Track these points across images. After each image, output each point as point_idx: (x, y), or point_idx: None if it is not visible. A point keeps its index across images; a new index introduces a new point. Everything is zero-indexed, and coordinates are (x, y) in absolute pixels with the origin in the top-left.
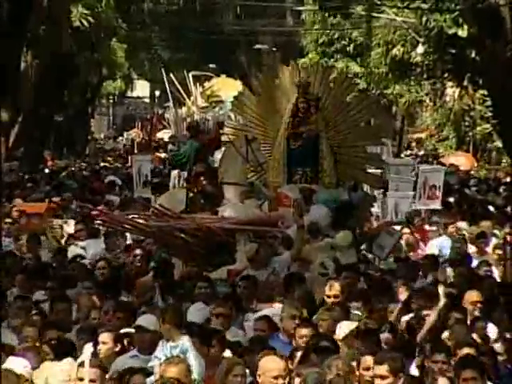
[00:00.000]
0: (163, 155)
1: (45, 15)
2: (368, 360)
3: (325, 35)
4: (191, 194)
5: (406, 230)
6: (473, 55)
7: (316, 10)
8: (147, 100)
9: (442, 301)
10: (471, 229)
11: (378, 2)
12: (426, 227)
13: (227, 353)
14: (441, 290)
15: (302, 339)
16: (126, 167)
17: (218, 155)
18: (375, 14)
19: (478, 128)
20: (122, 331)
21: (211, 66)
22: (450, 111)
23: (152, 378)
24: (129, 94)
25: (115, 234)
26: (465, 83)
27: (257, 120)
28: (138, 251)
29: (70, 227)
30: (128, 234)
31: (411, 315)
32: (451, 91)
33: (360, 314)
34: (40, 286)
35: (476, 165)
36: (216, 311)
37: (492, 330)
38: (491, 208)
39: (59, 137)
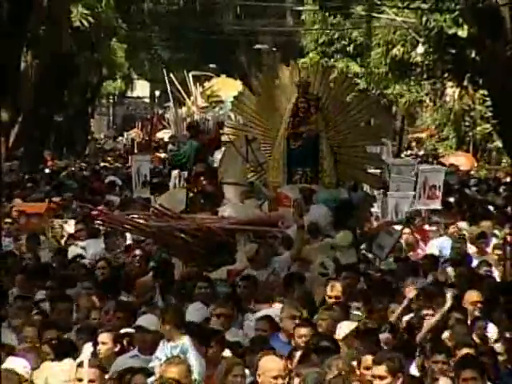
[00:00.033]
0: (163, 155)
1: (45, 15)
2: (368, 359)
3: (325, 35)
4: (191, 194)
5: (407, 230)
6: (473, 55)
7: (316, 10)
8: (147, 100)
9: (448, 303)
10: (471, 229)
11: (378, 2)
12: (426, 227)
13: (227, 353)
14: (449, 293)
15: (300, 339)
16: (126, 167)
17: (217, 155)
18: (375, 14)
19: (478, 128)
20: (122, 331)
21: (211, 66)
22: (450, 111)
23: (153, 379)
24: (129, 93)
25: (115, 234)
26: (465, 83)
27: (257, 120)
28: (137, 251)
29: (70, 227)
30: (128, 234)
31: (411, 315)
32: (451, 91)
33: (360, 314)
34: (40, 286)
35: (476, 165)
36: (217, 311)
37: (492, 330)
38: (491, 208)
39: (59, 137)
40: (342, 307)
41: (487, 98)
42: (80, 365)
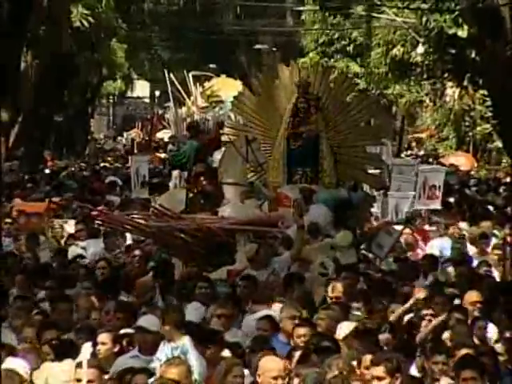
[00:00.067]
0: (163, 155)
1: (45, 15)
2: (368, 359)
3: (325, 35)
4: (191, 194)
5: (407, 230)
6: (473, 55)
7: (316, 10)
8: (147, 100)
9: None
10: (471, 229)
11: (378, 2)
12: (427, 227)
13: (226, 353)
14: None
15: (299, 339)
16: (126, 167)
17: (217, 155)
18: (375, 14)
19: (478, 128)
20: (122, 332)
21: (211, 66)
22: (450, 111)
23: (153, 380)
24: (129, 94)
25: (114, 234)
26: (465, 83)
27: (257, 120)
28: (136, 252)
29: (70, 227)
30: (128, 234)
31: (411, 315)
32: (451, 91)
33: (360, 314)
34: (40, 286)
35: (476, 165)
36: (218, 312)
37: (492, 331)
38: (491, 208)
39: (59, 137)
40: (342, 307)
41: (487, 98)
42: (79, 365)
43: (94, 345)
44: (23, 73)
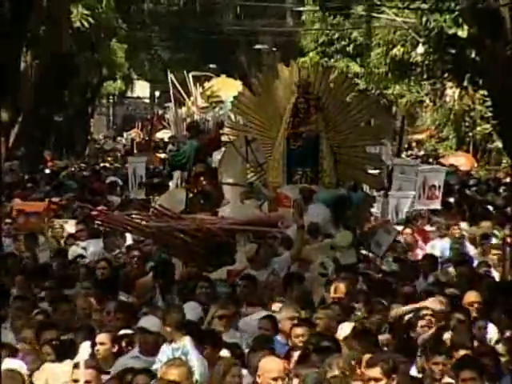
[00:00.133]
0: (163, 155)
1: (45, 15)
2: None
3: (325, 35)
4: (191, 195)
5: (408, 230)
6: (473, 55)
7: (316, 10)
8: (147, 100)
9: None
10: (471, 229)
11: (378, 2)
12: (427, 227)
13: (225, 353)
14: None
15: (297, 338)
16: (126, 168)
17: (216, 156)
18: (375, 14)
19: (478, 128)
20: (122, 332)
21: (211, 66)
22: (450, 111)
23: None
24: (129, 94)
25: (114, 234)
26: (465, 83)
27: (257, 120)
28: (135, 252)
29: (71, 227)
30: (128, 235)
31: (410, 315)
32: (451, 91)
33: (360, 314)
34: (40, 287)
35: (476, 165)
36: (219, 313)
37: (492, 331)
38: (491, 208)
39: (59, 137)
40: (342, 307)
41: (487, 98)
42: (76, 366)
43: (93, 345)
44: (23, 73)
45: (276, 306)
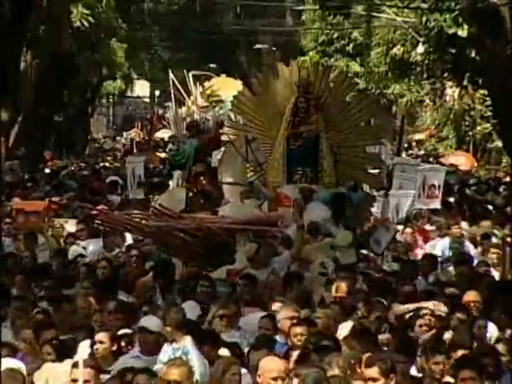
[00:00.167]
0: (163, 155)
1: (45, 15)
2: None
3: (324, 34)
4: (191, 194)
5: (408, 230)
6: (473, 55)
7: (316, 10)
8: (147, 100)
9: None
10: (471, 229)
11: (378, 2)
12: (427, 227)
13: (224, 352)
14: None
15: (296, 337)
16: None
17: (216, 155)
18: (375, 14)
19: (478, 128)
20: (121, 332)
21: (211, 65)
22: (450, 111)
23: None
24: (129, 93)
25: (114, 234)
26: (465, 83)
27: (257, 120)
28: (133, 251)
29: (71, 227)
30: (128, 234)
31: (411, 314)
32: (451, 91)
33: (359, 314)
34: (39, 286)
35: (476, 165)
36: (220, 313)
37: (492, 330)
38: (491, 208)
39: (59, 137)
40: (344, 307)
41: (487, 98)
42: (75, 365)
43: (92, 344)
44: (23, 73)
45: (276, 306)
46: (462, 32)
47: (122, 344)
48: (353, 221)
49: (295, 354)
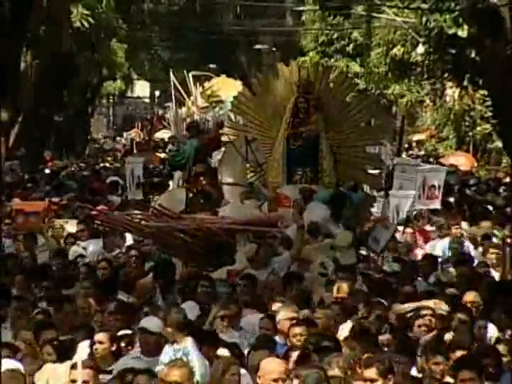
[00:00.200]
0: (163, 155)
1: (45, 15)
2: None
3: (324, 35)
4: (191, 194)
5: (409, 230)
6: (473, 55)
7: (316, 10)
8: (147, 100)
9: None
10: (471, 229)
11: (378, 2)
12: (427, 227)
13: (224, 352)
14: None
15: (295, 338)
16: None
17: (216, 156)
18: (375, 14)
19: (478, 128)
20: (121, 333)
21: (211, 66)
22: (449, 111)
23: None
24: (129, 94)
25: (114, 234)
26: (465, 83)
27: (257, 120)
28: (132, 252)
29: (71, 227)
30: (128, 234)
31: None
32: (451, 91)
33: (359, 314)
34: (39, 287)
35: (476, 165)
36: (221, 313)
37: (492, 331)
38: (491, 208)
39: (59, 137)
40: (345, 307)
41: (487, 98)
42: (74, 366)
43: (91, 345)
44: (23, 73)
45: (276, 306)
46: (462, 32)
47: (122, 345)
48: (353, 221)
49: (294, 354)
